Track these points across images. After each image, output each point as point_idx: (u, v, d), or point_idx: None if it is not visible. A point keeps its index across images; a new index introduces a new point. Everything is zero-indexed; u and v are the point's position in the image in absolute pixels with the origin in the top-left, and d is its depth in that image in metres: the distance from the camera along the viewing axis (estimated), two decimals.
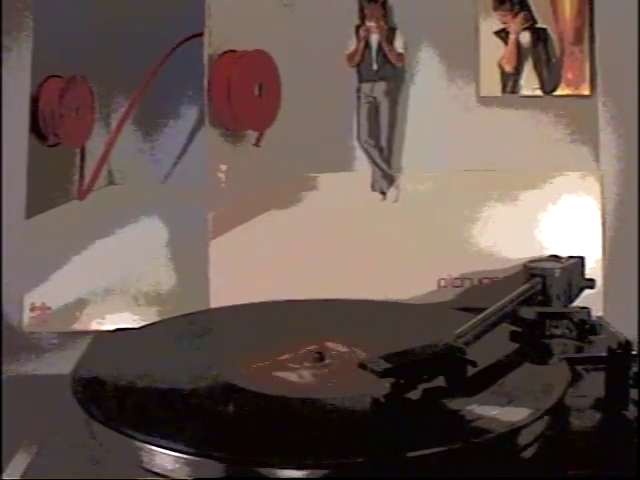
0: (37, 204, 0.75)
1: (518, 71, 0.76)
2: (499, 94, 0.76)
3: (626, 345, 0.53)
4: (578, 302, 0.69)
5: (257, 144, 0.76)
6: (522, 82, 0.76)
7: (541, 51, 0.76)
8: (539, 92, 0.76)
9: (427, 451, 0.45)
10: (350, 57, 0.76)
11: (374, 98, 0.76)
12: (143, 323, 0.70)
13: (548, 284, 0.67)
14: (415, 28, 0.76)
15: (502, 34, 0.76)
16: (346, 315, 0.68)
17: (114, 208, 0.76)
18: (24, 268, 0.74)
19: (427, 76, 0.76)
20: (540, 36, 0.76)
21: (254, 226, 0.75)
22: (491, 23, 0.76)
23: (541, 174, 0.75)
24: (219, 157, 0.76)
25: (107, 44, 0.76)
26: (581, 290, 0.70)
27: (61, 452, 0.50)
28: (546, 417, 0.49)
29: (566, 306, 0.67)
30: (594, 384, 0.54)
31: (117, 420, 0.49)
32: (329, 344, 0.60)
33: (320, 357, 0.58)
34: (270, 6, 0.76)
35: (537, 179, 0.75)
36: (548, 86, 0.76)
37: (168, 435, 0.47)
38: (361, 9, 0.76)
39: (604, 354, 0.54)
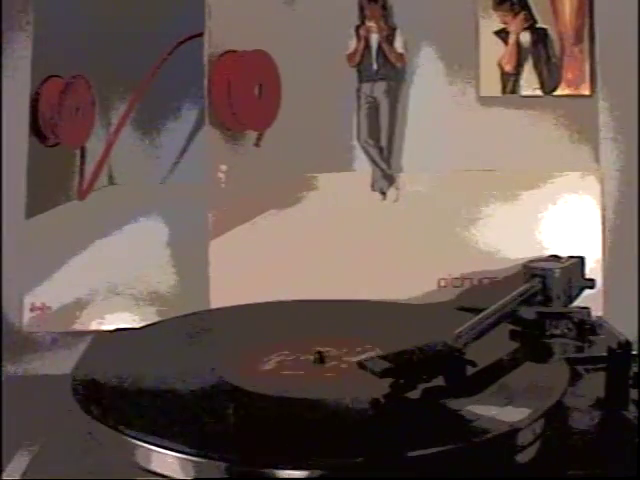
0: (37, 204, 0.75)
1: (518, 71, 0.76)
2: (499, 94, 0.76)
3: (626, 345, 0.53)
4: (578, 302, 0.69)
5: (257, 144, 0.76)
6: (522, 82, 0.76)
7: (541, 51, 0.76)
8: (539, 92, 0.76)
9: (427, 451, 0.45)
10: (350, 57, 0.76)
11: (374, 98, 0.76)
12: (143, 323, 0.71)
13: (548, 284, 0.67)
14: (415, 28, 0.76)
15: (502, 34, 0.76)
16: (346, 315, 0.68)
17: (114, 208, 0.76)
18: (24, 268, 0.74)
19: (427, 76, 0.76)
20: (540, 36, 0.76)
21: (254, 226, 0.75)
22: (491, 23, 0.76)
23: (541, 174, 0.75)
24: (219, 157, 0.76)
25: (107, 44, 0.76)
26: (581, 290, 0.70)
27: (61, 452, 0.50)
28: (546, 417, 0.49)
29: (566, 306, 0.67)
30: (594, 384, 0.54)
31: (117, 420, 0.49)
32: (329, 344, 0.60)
33: (320, 357, 0.58)
34: (270, 6, 0.76)
35: (537, 179, 0.75)
36: (548, 86, 0.76)
37: (168, 435, 0.47)
38: (361, 9, 0.76)
39: (604, 354, 0.54)
